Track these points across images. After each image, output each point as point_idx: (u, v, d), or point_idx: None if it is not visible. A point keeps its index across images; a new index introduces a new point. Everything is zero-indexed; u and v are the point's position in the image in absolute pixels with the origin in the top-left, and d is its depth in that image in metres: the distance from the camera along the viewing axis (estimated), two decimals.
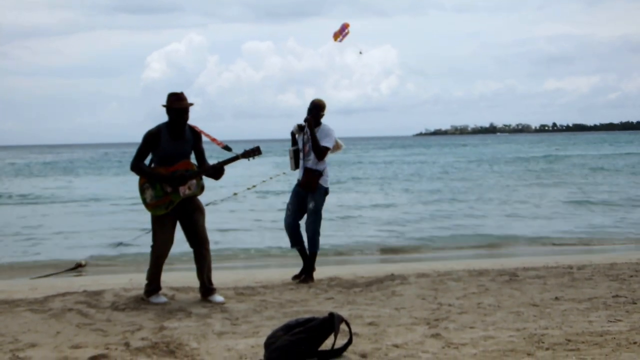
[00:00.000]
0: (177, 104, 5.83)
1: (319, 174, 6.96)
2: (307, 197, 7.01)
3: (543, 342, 4.40)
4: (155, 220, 5.93)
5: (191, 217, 5.95)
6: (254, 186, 10.81)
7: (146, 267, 6.11)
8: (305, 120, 6.99)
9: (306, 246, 7.13)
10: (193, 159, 6.04)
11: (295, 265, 7.94)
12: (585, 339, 4.47)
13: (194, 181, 5.89)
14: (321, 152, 6.93)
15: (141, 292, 6.12)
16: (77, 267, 9.45)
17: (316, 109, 7.00)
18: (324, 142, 6.93)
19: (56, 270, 9.24)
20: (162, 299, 5.98)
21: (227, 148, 6.09)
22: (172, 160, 5.86)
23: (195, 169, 5.93)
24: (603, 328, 4.76)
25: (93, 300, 5.98)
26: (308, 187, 6.98)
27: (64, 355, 4.30)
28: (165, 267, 6.12)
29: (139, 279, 6.59)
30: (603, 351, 4.16)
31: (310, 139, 6.94)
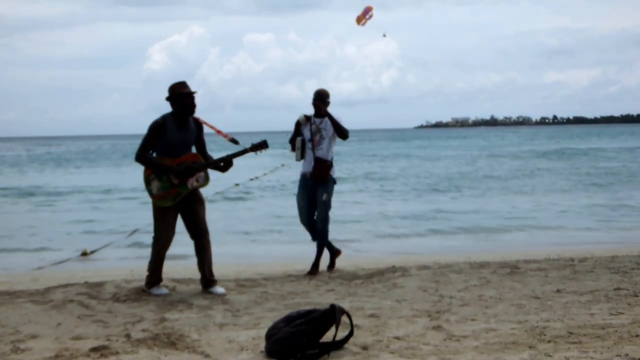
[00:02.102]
0: (186, 89, 5.83)
1: (330, 164, 6.99)
2: (318, 189, 6.97)
3: (545, 335, 4.39)
4: (157, 212, 5.91)
5: (192, 208, 5.94)
6: (256, 177, 10.80)
7: (147, 258, 6.10)
8: (314, 105, 6.92)
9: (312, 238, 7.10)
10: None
11: (296, 257, 7.95)
12: (587, 331, 4.46)
13: (202, 173, 5.88)
14: (346, 134, 6.93)
15: (142, 283, 6.12)
16: (83, 256, 9.48)
17: (322, 97, 6.97)
18: (344, 124, 6.94)
19: (59, 260, 9.24)
20: (164, 290, 5.98)
21: (234, 141, 6.07)
22: (177, 150, 5.83)
23: (202, 161, 5.90)
24: (605, 321, 4.75)
25: (94, 291, 5.98)
26: (320, 179, 6.95)
27: (64, 346, 4.30)
28: (166, 258, 6.11)
29: (140, 271, 6.58)
30: (605, 344, 4.15)
31: (319, 129, 6.93)
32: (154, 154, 5.90)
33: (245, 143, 6.15)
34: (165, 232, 5.90)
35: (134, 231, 10.24)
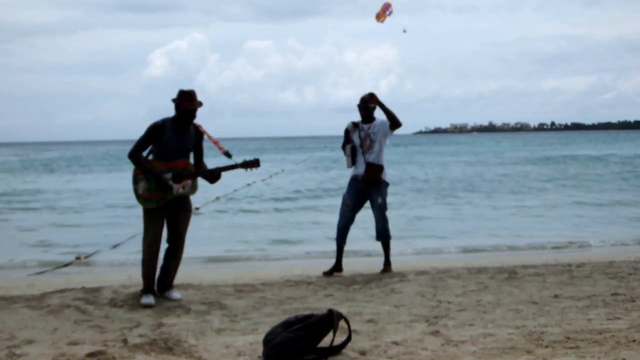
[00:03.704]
0: (187, 105, 5.79)
1: (382, 167, 7.20)
2: (371, 193, 7.21)
3: (542, 340, 4.39)
4: (147, 214, 5.89)
5: (178, 215, 5.94)
6: (253, 182, 10.80)
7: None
8: (363, 103, 7.18)
9: (375, 238, 7.36)
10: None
11: (294, 263, 7.94)
12: (585, 336, 4.47)
13: (189, 181, 5.87)
14: (399, 122, 7.15)
15: (139, 288, 6.10)
16: (76, 260, 9.44)
17: (365, 102, 7.20)
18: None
19: (54, 265, 9.21)
20: (150, 300, 5.79)
21: (228, 154, 6.05)
22: (172, 154, 5.82)
23: (193, 170, 5.90)
24: (602, 326, 4.76)
25: (91, 296, 5.96)
26: (372, 182, 7.19)
27: (61, 351, 4.28)
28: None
29: (138, 276, 6.56)
30: (602, 349, 4.16)
31: (368, 134, 7.19)
32: (150, 156, 5.89)
33: (245, 154, 6.15)
34: (156, 235, 5.84)
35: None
